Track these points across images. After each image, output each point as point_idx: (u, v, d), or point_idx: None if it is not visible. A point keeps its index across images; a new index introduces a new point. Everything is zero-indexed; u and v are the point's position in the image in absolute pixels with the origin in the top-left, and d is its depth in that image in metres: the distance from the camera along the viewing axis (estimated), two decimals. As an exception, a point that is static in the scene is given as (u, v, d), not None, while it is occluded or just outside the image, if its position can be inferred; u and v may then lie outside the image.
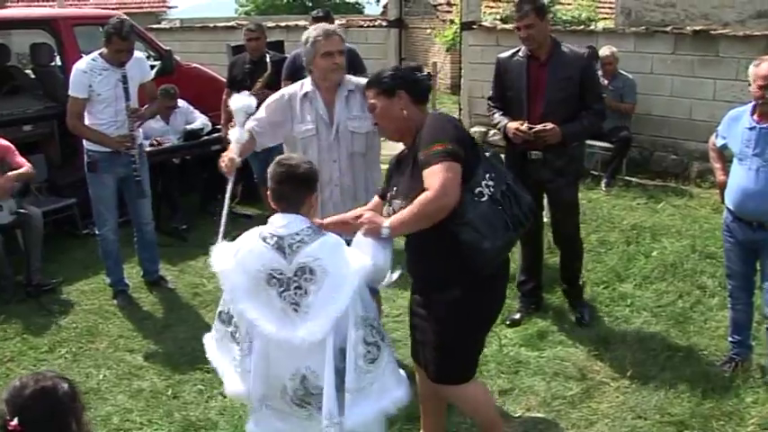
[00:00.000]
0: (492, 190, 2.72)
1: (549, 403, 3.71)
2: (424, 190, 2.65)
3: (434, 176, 2.62)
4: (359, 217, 2.81)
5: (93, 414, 3.64)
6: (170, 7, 20.35)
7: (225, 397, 3.68)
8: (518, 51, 4.33)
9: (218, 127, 6.54)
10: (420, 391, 3.18)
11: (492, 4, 11.00)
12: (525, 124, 4.17)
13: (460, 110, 9.59)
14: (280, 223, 2.57)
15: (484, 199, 2.69)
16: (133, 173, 4.73)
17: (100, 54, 4.60)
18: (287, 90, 3.70)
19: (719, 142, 3.89)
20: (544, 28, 4.21)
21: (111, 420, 3.62)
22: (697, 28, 7.53)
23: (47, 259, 5.39)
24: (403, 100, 2.86)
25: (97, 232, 4.94)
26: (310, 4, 29.12)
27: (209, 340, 2.94)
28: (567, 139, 4.23)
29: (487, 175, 2.73)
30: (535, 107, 4.23)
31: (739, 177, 3.65)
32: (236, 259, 2.62)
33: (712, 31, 7.40)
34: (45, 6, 14.32)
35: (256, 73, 5.92)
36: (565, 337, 4.35)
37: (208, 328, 4.44)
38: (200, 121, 6.66)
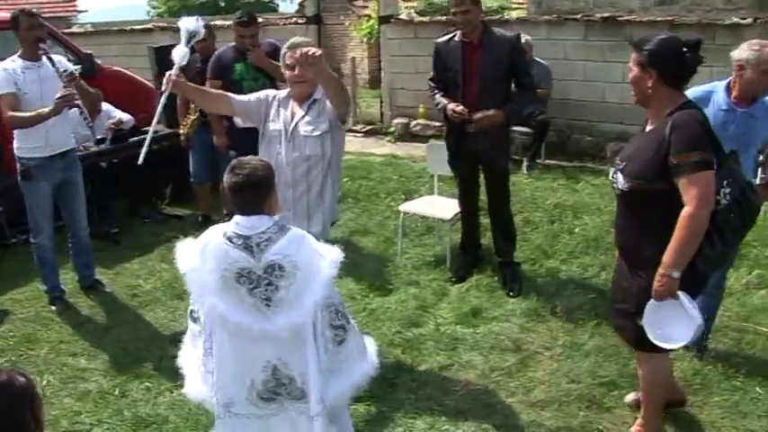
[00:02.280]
0: (728, 197, 2.82)
1: (487, 375, 3.91)
2: (650, 180, 2.81)
3: (693, 188, 2.71)
4: None
5: (40, 419, 3.64)
6: (80, 11, 19.79)
7: (173, 392, 3.77)
8: (453, 36, 4.74)
9: (145, 129, 6.49)
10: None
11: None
12: (460, 106, 4.58)
13: (381, 102, 9.75)
14: (245, 224, 2.62)
15: (720, 207, 2.80)
16: (84, 120, 4.61)
17: (18, 56, 4.55)
18: (275, 91, 3.76)
19: None
20: (478, 14, 4.64)
21: (59, 424, 3.61)
22: (606, 15, 7.91)
23: (-26, 270, 5.30)
24: (653, 78, 2.84)
25: (32, 240, 4.85)
26: (223, 4, 28.78)
27: (186, 338, 3.00)
28: (511, 119, 4.84)
29: (725, 182, 2.81)
30: (470, 87, 4.66)
31: None
32: (201, 258, 2.68)
33: (619, 18, 7.78)
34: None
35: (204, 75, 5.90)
36: (498, 313, 4.57)
37: (149, 327, 4.59)
38: (120, 115, 6.60)
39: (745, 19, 7.18)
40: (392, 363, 4.03)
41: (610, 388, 3.76)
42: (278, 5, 32.05)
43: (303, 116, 3.57)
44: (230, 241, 2.62)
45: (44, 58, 4.50)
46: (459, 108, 4.58)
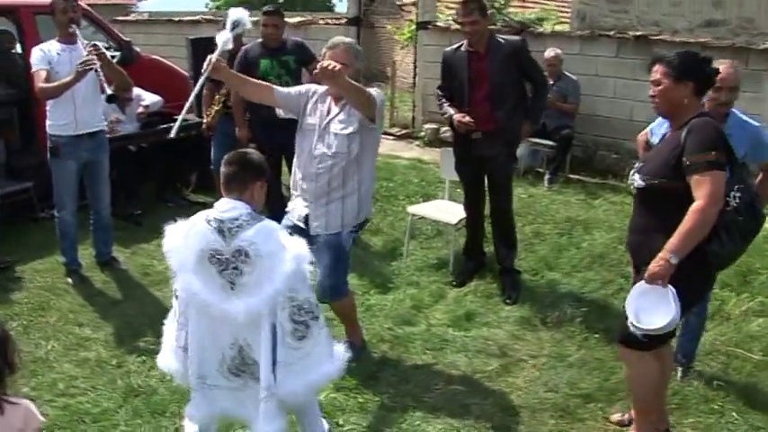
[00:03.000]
0: (738, 202, 2.96)
1: (468, 378, 4.01)
2: (664, 178, 2.97)
3: (705, 186, 2.86)
4: None
5: (39, 381, 3.88)
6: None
7: (166, 366, 3.96)
8: (460, 46, 4.87)
9: (175, 117, 6.73)
10: None
11: (451, 5, 11.26)
12: (466, 117, 4.77)
13: (414, 107, 9.88)
14: (223, 208, 2.82)
15: (729, 209, 2.95)
16: (108, 88, 4.67)
17: (56, 39, 4.83)
18: (316, 86, 3.89)
19: (651, 138, 4.18)
20: (485, 24, 4.77)
21: (56, 386, 3.84)
22: (638, 33, 7.91)
23: (2, 240, 5.58)
24: (688, 89, 3.00)
25: (56, 214, 5.11)
26: (281, 1, 29.16)
27: (169, 315, 3.18)
28: (537, 122, 5.28)
29: (736, 187, 2.96)
30: (477, 95, 4.78)
31: None
32: (184, 239, 2.87)
33: (652, 37, 7.77)
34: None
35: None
36: (491, 319, 4.66)
37: (155, 304, 4.79)
38: (150, 97, 6.85)
39: (778, 45, 7.11)
40: (378, 357, 4.17)
41: (586, 400, 3.82)
42: (334, 5, 32.39)
43: (337, 114, 3.73)
44: (209, 223, 2.81)
45: (78, 42, 4.76)
46: (466, 119, 4.74)
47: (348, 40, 3.91)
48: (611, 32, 8.06)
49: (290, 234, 2.96)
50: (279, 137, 4.99)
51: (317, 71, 3.44)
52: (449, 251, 5.51)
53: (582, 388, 3.93)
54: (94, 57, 4.60)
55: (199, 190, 7.07)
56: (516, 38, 4.94)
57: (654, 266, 2.95)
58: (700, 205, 2.86)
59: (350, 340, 4.11)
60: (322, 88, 3.83)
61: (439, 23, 9.37)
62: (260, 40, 5.76)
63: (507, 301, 4.88)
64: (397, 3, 16.31)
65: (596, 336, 4.46)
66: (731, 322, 4.66)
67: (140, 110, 6.71)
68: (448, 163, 5.45)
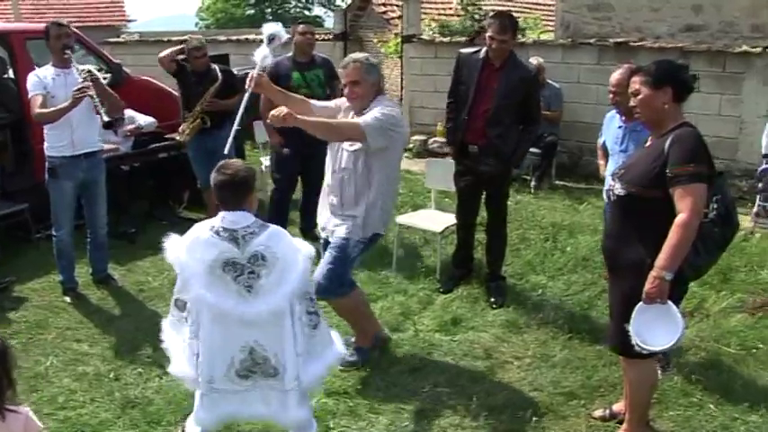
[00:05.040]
0: (715, 212, 3.04)
1: (454, 380, 4.13)
2: (645, 186, 3.03)
3: (688, 198, 2.92)
4: None
5: (39, 395, 3.99)
6: (129, 21, 20.53)
7: (161, 378, 4.09)
8: (478, 51, 4.89)
9: (167, 136, 6.89)
10: None
11: (436, 17, 11.49)
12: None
13: (403, 119, 10.03)
14: (230, 219, 2.99)
15: (706, 220, 3.02)
16: (101, 110, 4.80)
17: (51, 64, 4.98)
18: (343, 101, 4.05)
19: (600, 140, 4.43)
20: (511, 45, 4.78)
21: (56, 400, 3.95)
22: (619, 40, 8.09)
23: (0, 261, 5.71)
24: (667, 95, 3.06)
25: (54, 234, 5.22)
26: (271, 18, 29.45)
27: (166, 323, 3.36)
28: (517, 163, 5.28)
29: (714, 198, 3.04)
30: (478, 105, 4.83)
31: (610, 170, 4.16)
32: (188, 250, 3.03)
33: (632, 43, 7.96)
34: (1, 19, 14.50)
35: (203, 84, 6.27)
36: (477, 323, 4.80)
37: (150, 319, 4.91)
38: (143, 118, 6.99)
39: (755, 48, 7.29)
40: (368, 363, 4.28)
41: (569, 397, 3.96)
42: (324, 21, 32.68)
43: None
44: (218, 234, 2.98)
45: (72, 66, 4.91)
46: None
47: (360, 55, 4.01)
48: (592, 40, 8.24)
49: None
50: (308, 148, 5.18)
51: (268, 120, 3.60)
52: (436, 259, 5.65)
53: (565, 386, 4.06)
54: (89, 83, 4.75)
55: (191, 207, 7.19)
56: (533, 65, 5.02)
57: (650, 287, 3.00)
58: (684, 219, 2.92)
59: (356, 345, 4.31)
60: (346, 104, 4.00)
61: (424, 36, 9.55)
62: (289, 54, 5.91)
63: (493, 306, 5.00)
64: (384, 17, 16.52)
65: (579, 336, 4.59)
66: (710, 319, 4.81)
67: (129, 127, 6.82)
68: (435, 174, 5.60)
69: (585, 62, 8.26)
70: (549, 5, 13.28)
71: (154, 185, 6.81)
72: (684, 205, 2.94)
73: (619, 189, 3.17)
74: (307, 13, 32.57)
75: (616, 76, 4.11)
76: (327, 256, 4.00)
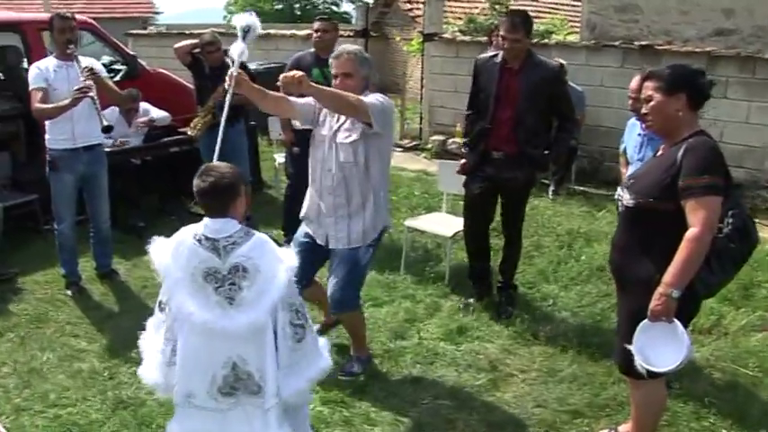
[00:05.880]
0: (731, 227, 2.88)
1: (456, 392, 4.00)
2: (655, 198, 2.89)
3: (701, 212, 2.76)
4: None
5: (32, 391, 3.94)
6: (157, 13, 20.61)
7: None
8: (495, 56, 4.66)
9: (180, 130, 6.83)
10: None
11: (460, 16, 11.33)
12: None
13: (421, 118, 9.90)
14: (213, 227, 2.81)
15: (721, 235, 2.86)
16: (98, 115, 4.73)
17: (54, 56, 4.92)
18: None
19: (622, 147, 4.27)
20: (527, 44, 4.54)
21: (47, 397, 3.89)
22: (643, 43, 7.87)
23: (6, 251, 5.67)
24: (681, 102, 2.91)
25: (55, 227, 5.19)
26: (299, 14, 29.47)
27: (150, 322, 3.17)
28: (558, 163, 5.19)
29: (730, 212, 2.88)
30: (501, 112, 4.57)
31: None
32: (173, 255, 2.86)
33: (657, 46, 7.74)
34: (31, 8, 14.58)
35: (217, 79, 6.19)
36: (483, 333, 4.64)
37: (151, 317, 4.81)
38: (157, 112, 6.93)
39: (786, 55, 7.06)
40: (368, 372, 4.16)
41: (574, 416, 3.80)
42: (352, 17, 32.61)
43: (343, 123, 3.74)
44: (199, 242, 2.81)
45: (75, 61, 4.83)
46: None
47: (353, 48, 3.87)
48: (617, 42, 8.03)
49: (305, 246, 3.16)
50: None
51: (279, 82, 3.46)
52: (446, 264, 5.51)
53: (571, 404, 3.90)
54: (91, 82, 4.66)
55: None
56: (555, 62, 4.70)
57: (656, 305, 2.85)
58: (695, 233, 2.77)
59: (357, 355, 4.18)
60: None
61: (445, 35, 9.40)
62: (312, 49, 5.81)
63: (502, 316, 4.84)
64: (410, 14, 16.41)
65: (589, 350, 4.42)
66: (728, 337, 4.61)
67: (142, 119, 6.76)
68: (448, 176, 5.45)
69: (609, 65, 8.06)
70: (575, 6, 13.02)
71: (165, 180, 6.73)
72: (696, 219, 2.77)
73: (627, 200, 3.01)
74: (335, 9, 32.49)
75: (636, 80, 3.92)
76: (340, 269, 3.82)
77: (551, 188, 7.58)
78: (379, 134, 3.73)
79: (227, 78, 3.53)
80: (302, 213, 4.04)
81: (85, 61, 4.92)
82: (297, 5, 30.54)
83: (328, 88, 3.64)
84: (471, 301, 4.98)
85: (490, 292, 5.09)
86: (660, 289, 2.84)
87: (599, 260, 5.73)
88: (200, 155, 6.36)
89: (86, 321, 4.79)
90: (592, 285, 5.36)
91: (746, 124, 7.38)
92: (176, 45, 6.20)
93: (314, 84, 3.51)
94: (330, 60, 3.81)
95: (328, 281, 3.93)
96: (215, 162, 3.03)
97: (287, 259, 2.90)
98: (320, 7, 31.21)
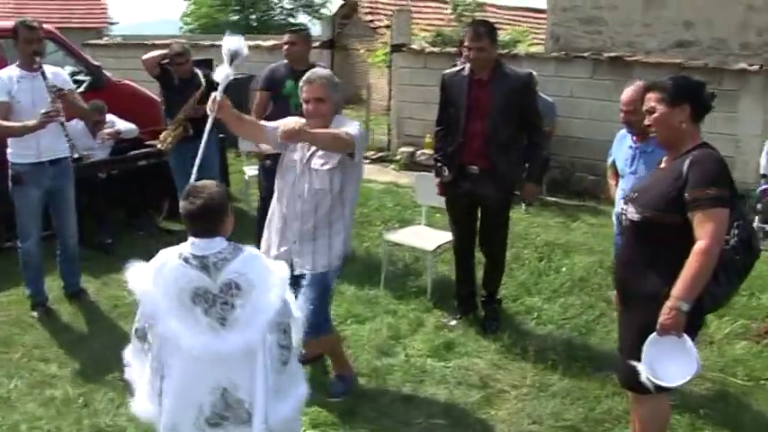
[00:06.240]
0: (736, 239, 2.84)
1: (449, 410, 3.89)
2: (662, 211, 2.84)
3: (708, 224, 2.73)
4: None
5: (0, 423, 3.69)
6: (112, 23, 20.22)
7: (135, 405, 3.78)
8: (462, 69, 4.56)
9: (148, 143, 6.62)
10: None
11: (427, 28, 11.31)
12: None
13: (389, 130, 9.82)
14: (201, 245, 2.64)
15: (727, 247, 2.81)
16: (68, 143, 4.68)
17: (17, 65, 4.68)
18: (297, 119, 3.74)
19: (610, 160, 4.23)
20: (493, 52, 4.43)
21: (18, 429, 3.66)
22: (613, 54, 7.93)
23: (-35, 271, 5.40)
24: (685, 113, 2.88)
25: (20, 245, 4.94)
26: (255, 25, 29.22)
27: (128, 353, 2.94)
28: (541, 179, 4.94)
29: (735, 223, 2.84)
30: (472, 126, 4.46)
31: (619, 194, 3.95)
32: (155, 279, 2.67)
33: (627, 58, 7.80)
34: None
35: (187, 91, 6.02)
36: (471, 348, 4.55)
37: (125, 338, 4.49)
38: (124, 124, 6.72)
39: (752, 66, 7.15)
40: (356, 391, 4.02)
41: (570, 431, 3.72)
42: (307, 29, 32.50)
43: (317, 150, 3.63)
44: (186, 262, 2.63)
45: (42, 74, 4.61)
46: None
47: (324, 72, 3.81)
48: (587, 54, 8.08)
49: None
50: None
51: (280, 135, 3.41)
52: (427, 278, 5.41)
53: (566, 419, 3.82)
54: (59, 105, 4.52)
55: (171, 218, 6.89)
56: (524, 71, 4.61)
57: (665, 318, 2.78)
58: (704, 246, 2.73)
59: (340, 374, 4.06)
60: (302, 122, 3.70)
61: (413, 46, 9.35)
62: (285, 61, 5.67)
63: (489, 331, 4.74)
64: (371, 26, 16.36)
65: (579, 364, 4.36)
66: (714, 346, 4.60)
67: (108, 131, 6.52)
68: (426, 189, 5.35)
69: (580, 76, 8.08)
70: (538, 18, 13.14)
71: (132, 194, 6.50)
72: (704, 231, 2.74)
73: (633, 214, 2.96)
74: (291, 20, 32.29)
75: (628, 93, 3.88)
76: (308, 293, 3.64)
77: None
78: (354, 162, 3.69)
79: (209, 103, 3.43)
80: (264, 236, 3.90)
81: (51, 70, 4.72)
82: (253, 17, 30.24)
83: (322, 131, 3.54)
84: (454, 323, 4.87)
85: (475, 309, 4.98)
86: (669, 303, 2.78)
87: (579, 272, 5.71)
88: (170, 169, 6.18)
89: (56, 344, 4.55)
90: (575, 297, 5.32)
91: (711, 134, 7.42)
92: (145, 56, 6.00)
93: (310, 131, 3.45)
94: (300, 85, 3.69)
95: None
96: (200, 181, 2.87)
97: (278, 271, 2.75)
98: (276, 18, 30.97)
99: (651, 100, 2.95)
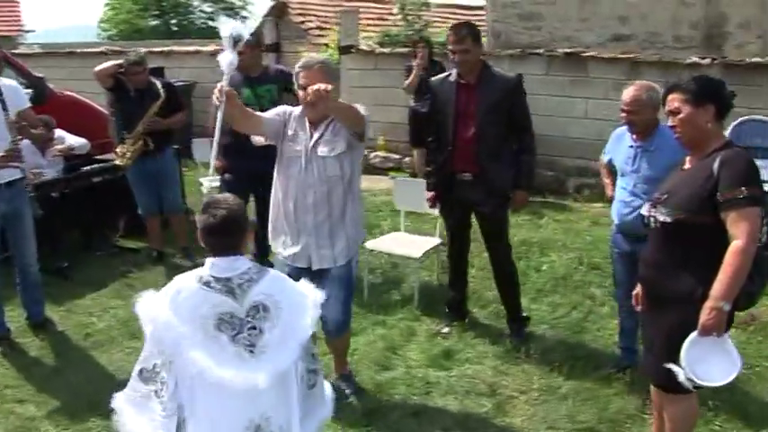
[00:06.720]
0: (766, 237, 2.81)
1: (463, 421, 3.78)
2: (693, 212, 2.81)
3: (743, 223, 2.71)
4: None
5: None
6: (27, 31, 19.29)
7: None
8: (448, 76, 4.45)
9: (99, 158, 6.26)
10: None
11: (369, 29, 11.15)
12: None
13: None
14: (222, 265, 2.43)
15: (759, 244, 2.78)
16: (27, 191, 4.51)
17: None
18: (290, 108, 3.66)
19: (606, 158, 4.17)
20: (478, 53, 4.34)
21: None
22: (568, 50, 7.97)
23: None
24: (710, 113, 2.87)
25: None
26: (176, 29, 28.53)
27: (121, 401, 2.54)
28: (529, 185, 4.70)
29: (764, 221, 2.80)
30: (462, 131, 4.34)
31: (620, 193, 3.90)
32: (171, 307, 2.41)
33: (582, 54, 7.85)
34: None
35: (144, 102, 5.70)
36: (470, 355, 4.44)
37: (103, 370, 4.31)
38: (75, 139, 6.35)
39: (704, 59, 7.30)
40: (364, 408, 3.85)
41: (591, 434, 3.66)
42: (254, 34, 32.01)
43: (321, 136, 3.50)
44: (208, 286, 2.40)
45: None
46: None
47: (321, 57, 3.69)
48: (541, 51, 8.09)
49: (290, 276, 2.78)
50: (257, 166, 4.54)
51: (309, 95, 3.24)
52: (412, 286, 5.27)
53: (582, 421, 3.76)
54: (19, 147, 4.31)
55: (128, 236, 6.53)
56: (512, 74, 4.50)
57: (706, 319, 2.76)
58: (740, 245, 2.72)
59: (343, 373, 4.00)
60: (297, 110, 3.58)
61: (362, 47, 9.19)
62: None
63: (516, 338, 4.60)
64: (302, 27, 16.09)
65: (580, 363, 4.31)
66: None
67: (58, 147, 6.15)
68: (404, 194, 5.23)
69: (535, 73, 8.07)
70: (477, 14, 13.17)
71: (87, 213, 6.12)
72: (739, 231, 2.74)
73: (664, 216, 2.93)
74: (211, 23, 31.67)
75: (630, 93, 3.80)
76: (335, 291, 3.54)
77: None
78: (359, 144, 3.60)
79: (215, 92, 3.25)
80: (272, 238, 3.76)
81: (7, 85, 4.38)
82: (173, 21, 29.50)
83: (346, 103, 3.47)
84: (447, 330, 4.75)
85: (467, 316, 4.88)
86: (710, 303, 2.77)
87: (560, 270, 5.70)
88: (129, 184, 5.85)
89: (28, 382, 4.18)
90: (559, 296, 5.29)
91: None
92: (97, 68, 5.63)
93: (334, 102, 3.32)
94: (297, 70, 3.52)
95: None
96: (216, 195, 2.66)
97: (310, 293, 2.56)
98: (197, 23, 30.32)
99: (675, 101, 2.93)
